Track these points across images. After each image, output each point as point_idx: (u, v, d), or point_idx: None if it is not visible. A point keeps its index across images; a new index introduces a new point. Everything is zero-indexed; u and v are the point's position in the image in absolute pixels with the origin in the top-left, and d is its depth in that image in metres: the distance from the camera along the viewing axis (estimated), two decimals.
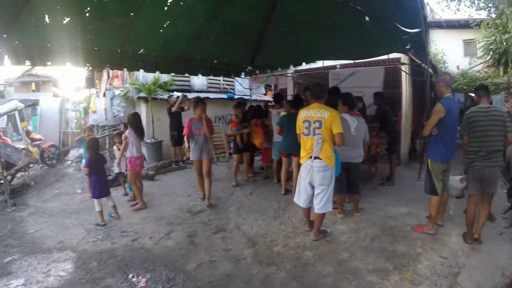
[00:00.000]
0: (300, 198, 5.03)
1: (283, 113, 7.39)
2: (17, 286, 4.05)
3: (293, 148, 6.29)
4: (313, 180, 4.74)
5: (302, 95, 8.29)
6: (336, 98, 5.63)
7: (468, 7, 16.11)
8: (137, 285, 3.95)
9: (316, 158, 4.60)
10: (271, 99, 13.86)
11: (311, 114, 4.67)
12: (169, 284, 3.95)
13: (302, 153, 4.85)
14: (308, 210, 5.18)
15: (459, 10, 16.67)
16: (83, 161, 6.69)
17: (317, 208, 4.82)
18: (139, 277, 4.10)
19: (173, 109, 9.46)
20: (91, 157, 6.00)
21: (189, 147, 6.88)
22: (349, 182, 5.51)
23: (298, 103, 7.07)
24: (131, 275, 4.18)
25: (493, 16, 13.43)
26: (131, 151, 6.56)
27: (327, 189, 4.73)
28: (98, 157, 6.18)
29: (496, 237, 4.97)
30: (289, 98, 11.97)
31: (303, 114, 4.80)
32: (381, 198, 6.74)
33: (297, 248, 4.73)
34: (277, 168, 8.17)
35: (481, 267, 4.09)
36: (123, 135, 6.65)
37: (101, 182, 6.04)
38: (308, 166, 4.71)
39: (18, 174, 9.70)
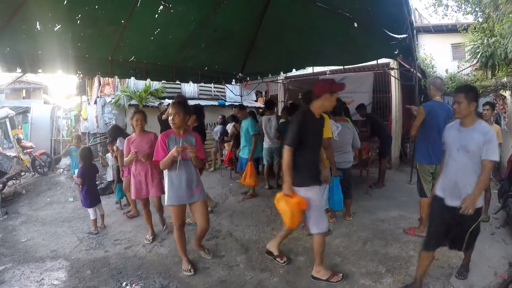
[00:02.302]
0: None
1: (282, 120, 7.82)
2: None
3: None
4: None
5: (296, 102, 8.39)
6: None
7: (456, 12, 16.28)
8: None
9: None
10: (263, 105, 13.91)
11: None
12: None
13: None
14: None
15: (446, 15, 16.86)
16: (75, 171, 6.64)
17: None
18: (133, 285, 4.09)
19: (163, 116, 9.46)
20: (85, 167, 5.98)
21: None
22: (342, 184, 5.57)
23: (295, 110, 7.14)
24: (124, 283, 4.17)
25: (480, 20, 13.60)
26: None
27: (324, 188, 4.88)
28: (90, 167, 6.16)
29: (487, 237, 5.01)
30: (281, 104, 12.04)
31: None
32: (373, 202, 6.78)
33: (289, 253, 4.75)
34: (268, 173, 8.24)
35: (474, 267, 4.11)
36: (115, 146, 6.60)
37: (93, 192, 6.03)
38: None
39: (10, 182, 9.65)
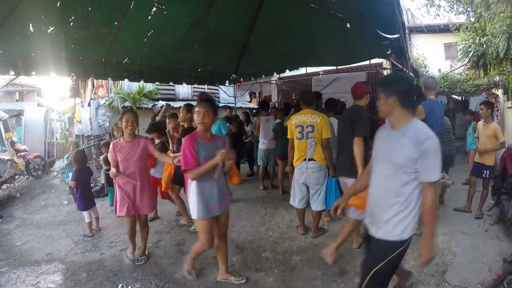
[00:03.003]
0: (295, 199, 5.22)
1: (278, 120, 7.76)
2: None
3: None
4: (308, 181, 4.97)
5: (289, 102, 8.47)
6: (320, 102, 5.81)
7: (448, 12, 16.37)
8: None
9: (310, 159, 4.87)
10: (256, 106, 13.95)
11: (304, 119, 4.91)
12: None
13: (296, 156, 5.03)
14: (303, 211, 5.34)
15: (439, 15, 16.96)
16: (69, 175, 6.61)
17: (314, 206, 5.09)
18: (129, 287, 4.09)
19: (157, 118, 9.47)
20: (79, 170, 5.97)
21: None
22: (338, 185, 5.60)
23: (289, 111, 7.51)
24: (120, 285, 4.17)
25: (472, 19, 13.70)
26: None
27: (321, 188, 4.99)
28: (85, 170, 6.15)
29: (482, 234, 5.10)
30: (274, 105, 12.07)
31: (296, 119, 5.02)
32: None
33: (284, 253, 4.77)
34: (263, 174, 8.31)
35: (468, 264, 4.18)
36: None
37: (87, 195, 6.01)
38: (303, 168, 4.94)
39: (4, 186, 9.61)
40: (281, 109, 8.85)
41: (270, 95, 14.92)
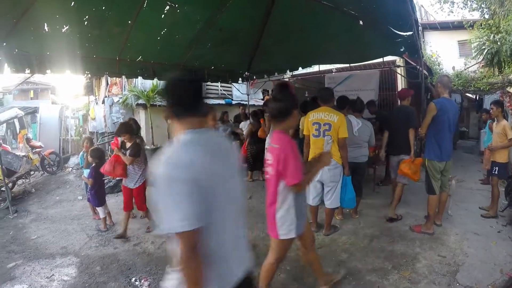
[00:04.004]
0: (309, 196, 5.18)
1: None
2: None
3: None
4: (323, 178, 4.96)
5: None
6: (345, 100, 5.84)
7: (461, 8, 16.20)
8: None
9: None
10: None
11: (321, 117, 4.89)
12: None
13: (312, 153, 5.00)
14: (316, 208, 5.37)
15: (452, 12, 16.77)
16: (85, 171, 6.62)
17: (328, 203, 5.09)
18: (142, 281, 4.15)
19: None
20: (97, 167, 6.01)
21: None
22: (355, 182, 5.58)
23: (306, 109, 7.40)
24: (133, 278, 4.23)
25: (486, 16, 13.55)
26: None
27: (336, 185, 4.97)
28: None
29: (494, 234, 5.05)
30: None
31: (313, 116, 5.01)
32: (379, 200, 6.80)
33: (297, 250, 4.77)
34: None
35: (480, 265, 4.15)
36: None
37: (102, 191, 6.09)
38: None
39: (19, 181, 9.75)
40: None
41: None
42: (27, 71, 5.87)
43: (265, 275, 3.38)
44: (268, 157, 3.10)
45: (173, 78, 1.93)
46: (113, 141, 5.99)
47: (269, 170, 3.09)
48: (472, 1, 14.59)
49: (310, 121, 5.02)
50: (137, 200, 5.67)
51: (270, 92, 16.71)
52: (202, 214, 1.64)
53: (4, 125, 12.67)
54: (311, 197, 5.17)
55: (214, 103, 13.27)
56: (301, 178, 2.87)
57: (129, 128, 5.68)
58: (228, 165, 1.89)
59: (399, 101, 6.44)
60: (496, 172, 5.89)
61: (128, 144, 5.58)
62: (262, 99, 16.55)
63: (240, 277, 1.86)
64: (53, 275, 4.46)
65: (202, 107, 1.86)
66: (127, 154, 5.40)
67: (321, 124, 4.87)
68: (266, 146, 3.37)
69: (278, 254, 3.32)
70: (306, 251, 3.62)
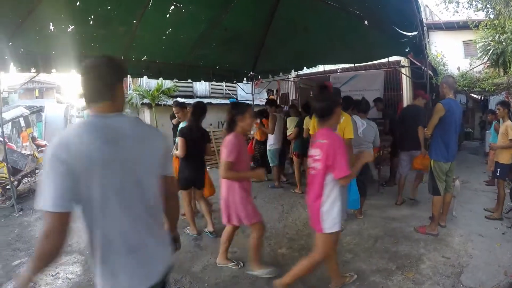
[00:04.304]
0: None
1: (293, 117, 8.11)
2: None
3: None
4: None
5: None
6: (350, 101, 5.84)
7: (467, 8, 16.12)
8: None
9: None
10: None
11: None
12: (176, 286, 4.03)
13: None
14: None
15: (457, 12, 16.73)
16: None
17: None
18: None
19: (174, 121, 9.50)
20: None
21: None
22: (359, 183, 5.58)
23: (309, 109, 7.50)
24: None
25: (491, 16, 13.48)
26: None
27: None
28: None
29: (498, 236, 5.03)
30: (292, 103, 12.08)
31: None
32: (384, 200, 6.79)
33: (301, 250, 4.79)
34: (279, 173, 8.41)
35: (484, 266, 4.13)
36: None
37: None
38: None
39: (25, 180, 9.77)
40: (292, 106, 9.27)
41: (288, 93, 14.90)
42: (33, 70, 5.93)
43: (297, 273, 3.48)
44: (315, 152, 3.23)
45: (82, 64, 1.84)
46: None
47: (316, 165, 3.22)
48: (477, 1, 14.51)
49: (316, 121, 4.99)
50: None
51: (274, 91, 16.77)
52: (72, 200, 1.59)
53: (10, 123, 12.70)
54: None
55: (219, 102, 13.29)
56: (348, 171, 3.04)
57: None
58: (130, 153, 1.74)
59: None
60: (498, 174, 5.87)
61: None
62: (267, 99, 16.60)
63: (152, 281, 1.78)
64: (58, 273, 4.46)
65: (108, 92, 1.76)
66: None
67: None
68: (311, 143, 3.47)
69: (323, 248, 3.34)
70: None
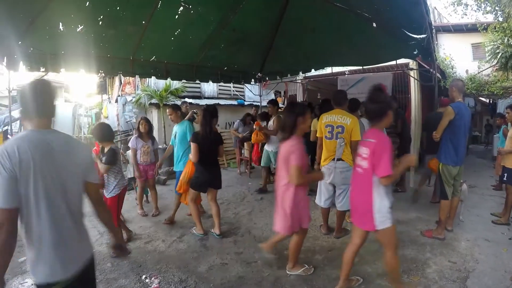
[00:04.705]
0: (321, 198, 5.23)
1: None
2: (32, 284, 4.10)
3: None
4: (335, 181, 4.97)
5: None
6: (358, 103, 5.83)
7: (475, 11, 15.99)
8: (150, 286, 4.03)
9: (339, 159, 4.87)
10: (282, 105, 13.97)
11: (334, 119, 4.91)
12: (182, 285, 4.03)
13: (325, 155, 5.04)
14: (328, 211, 5.36)
15: (466, 15, 16.57)
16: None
17: (339, 206, 5.08)
18: (152, 278, 4.17)
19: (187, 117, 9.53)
20: None
21: None
22: None
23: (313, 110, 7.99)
24: (144, 276, 4.25)
25: (500, 19, 13.40)
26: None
27: (347, 188, 4.85)
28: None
29: (505, 242, 5.01)
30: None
31: (326, 119, 5.03)
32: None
33: (307, 252, 4.79)
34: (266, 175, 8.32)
35: (490, 272, 4.12)
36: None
37: None
38: (331, 168, 4.94)
39: None
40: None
41: (295, 94, 14.88)
42: (42, 69, 5.97)
43: (393, 269, 3.57)
44: (363, 151, 3.33)
45: (22, 87, 2.17)
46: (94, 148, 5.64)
47: (363, 163, 3.32)
48: (486, 4, 14.43)
49: (323, 123, 5.02)
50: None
51: (282, 93, 16.77)
52: (16, 199, 1.90)
53: (18, 122, 12.77)
54: (323, 198, 5.17)
55: (226, 103, 13.31)
56: (391, 171, 3.11)
57: (98, 132, 5.10)
58: (58, 164, 2.07)
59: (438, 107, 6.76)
60: (505, 178, 5.83)
61: (106, 149, 5.06)
62: (272, 100, 16.58)
63: (69, 273, 2.08)
64: None
65: (43, 112, 2.13)
66: (103, 161, 4.87)
67: (334, 126, 4.88)
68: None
69: (390, 244, 3.47)
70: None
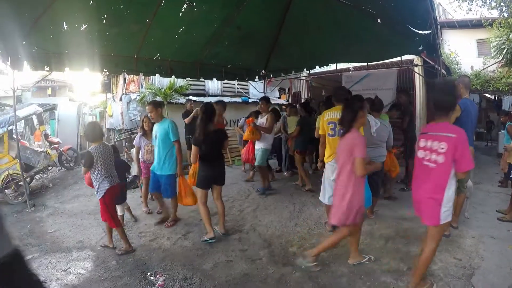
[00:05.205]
0: (325, 195, 5.17)
1: (292, 117, 8.57)
2: None
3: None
4: None
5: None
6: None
7: (480, 6, 15.84)
8: (155, 283, 4.04)
9: None
10: (286, 102, 13.97)
11: (336, 116, 4.82)
12: (187, 283, 4.03)
13: (328, 152, 5.00)
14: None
15: (471, 10, 16.38)
16: None
17: None
18: (157, 276, 4.18)
19: (186, 120, 9.51)
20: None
21: None
22: (371, 183, 5.53)
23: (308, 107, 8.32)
24: (149, 273, 4.26)
25: (505, 15, 13.30)
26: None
27: None
28: (121, 164, 5.99)
29: (510, 239, 4.96)
30: (307, 101, 12.10)
31: (328, 116, 5.00)
32: (395, 201, 6.74)
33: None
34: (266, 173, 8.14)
35: (495, 269, 4.09)
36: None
37: (123, 189, 6.01)
38: (335, 165, 4.82)
39: (37, 176, 9.91)
40: (289, 104, 9.73)
41: (300, 91, 14.87)
42: (46, 68, 6.00)
43: (424, 265, 3.56)
44: (440, 146, 3.25)
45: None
46: None
47: (439, 158, 3.26)
48: (491, 0, 14.34)
49: (326, 120, 4.99)
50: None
51: (286, 90, 16.75)
52: None
53: (23, 121, 12.85)
54: (327, 195, 5.13)
55: (231, 101, 13.31)
56: (473, 165, 3.18)
57: (90, 132, 4.97)
58: None
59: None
60: (511, 176, 5.80)
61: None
62: (279, 98, 16.58)
63: None
64: (69, 268, 4.52)
65: None
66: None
67: (336, 123, 4.81)
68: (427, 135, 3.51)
69: (438, 239, 3.47)
70: None
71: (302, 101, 12.11)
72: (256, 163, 7.67)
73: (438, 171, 3.26)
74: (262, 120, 7.60)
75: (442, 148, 3.22)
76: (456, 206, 5.12)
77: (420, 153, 3.45)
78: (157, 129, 5.83)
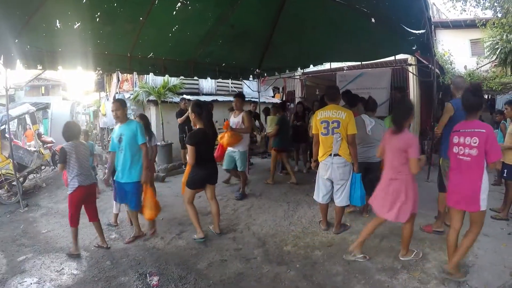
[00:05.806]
0: (319, 194, 5.19)
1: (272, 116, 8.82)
2: (31, 284, 4.12)
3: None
4: (333, 176, 4.95)
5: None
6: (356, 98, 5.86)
7: (474, 7, 15.93)
8: (150, 283, 4.02)
9: (336, 155, 4.84)
10: (279, 101, 13.95)
11: (329, 115, 4.87)
12: (181, 283, 4.02)
13: (321, 151, 4.99)
14: (327, 206, 5.32)
15: (465, 10, 16.50)
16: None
17: (338, 201, 5.06)
18: (152, 276, 4.16)
19: (179, 120, 9.48)
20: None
21: None
22: (368, 182, 5.54)
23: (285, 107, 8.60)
24: (143, 273, 4.24)
25: (499, 15, 13.39)
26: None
27: (346, 183, 4.96)
28: None
29: (504, 237, 4.99)
30: (300, 101, 12.12)
31: (321, 115, 4.97)
32: None
33: (306, 248, 4.78)
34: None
35: (489, 267, 4.10)
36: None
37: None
38: (328, 163, 4.91)
39: (30, 176, 9.83)
40: (275, 105, 9.83)
41: (294, 90, 14.89)
42: (39, 67, 5.97)
43: (466, 248, 3.87)
44: (472, 141, 3.62)
45: None
46: None
47: (473, 152, 3.61)
48: (485, 0, 14.42)
49: (319, 119, 4.96)
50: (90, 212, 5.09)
51: (280, 89, 16.75)
52: None
53: (16, 120, 12.78)
54: (321, 194, 5.15)
55: (224, 100, 13.28)
56: (501, 155, 3.64)
57: (66, 131, 4.91)
58: None
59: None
60: (505, 174, 5.83)
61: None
62: (273, 97, 16.56)
63: None
64: (63, 268, 4.48)
65: None
66: None
67: (329, 122, 4.83)
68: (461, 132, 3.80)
69: (481, 224, 3.80)
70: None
71: (297, 100, 12.14)
72: (239, 169, 7.11)
73: (473, 163, 3.62)
74: (236, 120, 6.99)
75: (475, 142, 3.58)
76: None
77: (454, 149, 3.80)
78: (122, 131, 5.14)
